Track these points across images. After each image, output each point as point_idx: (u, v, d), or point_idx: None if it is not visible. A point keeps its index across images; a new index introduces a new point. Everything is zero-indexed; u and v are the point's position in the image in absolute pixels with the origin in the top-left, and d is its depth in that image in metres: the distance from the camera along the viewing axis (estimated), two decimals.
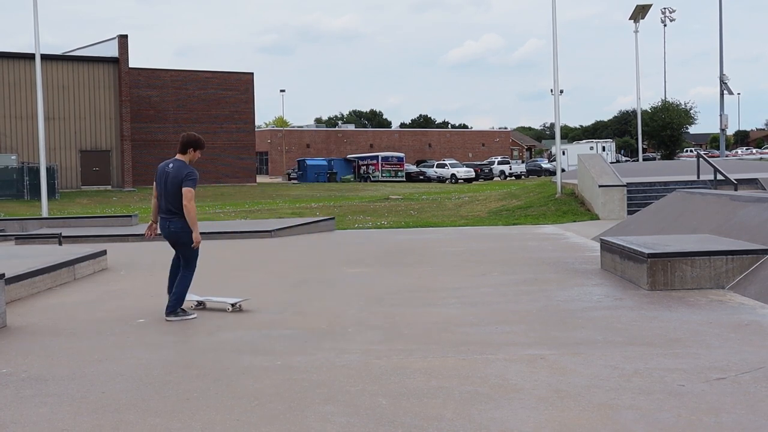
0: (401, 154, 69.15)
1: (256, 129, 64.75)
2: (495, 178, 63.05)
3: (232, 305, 7.70)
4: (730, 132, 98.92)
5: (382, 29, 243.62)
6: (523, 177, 61.46)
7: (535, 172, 61.80)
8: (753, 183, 20.58)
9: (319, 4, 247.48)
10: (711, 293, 7.90)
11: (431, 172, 63.42)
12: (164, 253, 13.92)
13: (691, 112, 71.13)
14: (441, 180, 61.18)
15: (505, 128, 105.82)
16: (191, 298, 7.81)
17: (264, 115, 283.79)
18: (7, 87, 46.53)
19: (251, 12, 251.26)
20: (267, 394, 4.75)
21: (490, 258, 11.42)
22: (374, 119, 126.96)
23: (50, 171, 35.32)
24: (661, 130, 68.22)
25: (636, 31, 45.82)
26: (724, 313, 6.96)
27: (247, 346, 6.12)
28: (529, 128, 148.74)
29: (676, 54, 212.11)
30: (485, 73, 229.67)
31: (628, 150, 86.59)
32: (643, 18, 45.78)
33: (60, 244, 14.65)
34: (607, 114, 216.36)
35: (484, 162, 70.13)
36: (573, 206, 22.51)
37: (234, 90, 56.48)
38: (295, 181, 64.35)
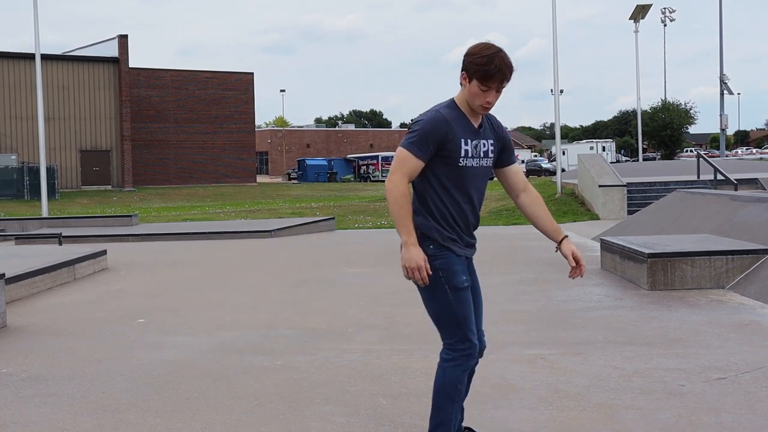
0: None
1: (256, 129, 64.75)
2: (495, 178, 62.92)
3: None
4: (730, 132, 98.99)
5: (386, 29, 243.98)
6: None
7: (535, 172, 61.76)
8: (753, 183, 20.59)
9: (321, 4, 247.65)
10: (711, 293, 7.90)
11: None
12: (165, 252, 13.97)
13: (691, 112, 71.18)
14: None
15: (505, 128, 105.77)
16: None
17: (264, 115, 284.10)
18: (7, 87, 46.54)
19: (252, 12, 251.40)
20: (267, 394, 4.75)
21: (490, 258, 11.41)
22: (374, 119, 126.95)
23: (50, 171, 35.34)
24: (661, 130, 68.24)
25: (636, 31, 45.86)
26: (724, 313, 6.96)
27: (247, 346, 6.12)
28: (530, 128, 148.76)
29: (677, 54, 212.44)
30: None
31: (628, 150, 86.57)
32: (643, 18, 45.81)
33: (60, 244, 14.65)
34: (607, 114, 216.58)
35: None
36: (573, 206, 22.52)
37: (234, 90, 56.48)
38: (295, 181, 64.36)
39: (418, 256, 3.24)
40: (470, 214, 3.45)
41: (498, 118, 3.56)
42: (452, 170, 3.32)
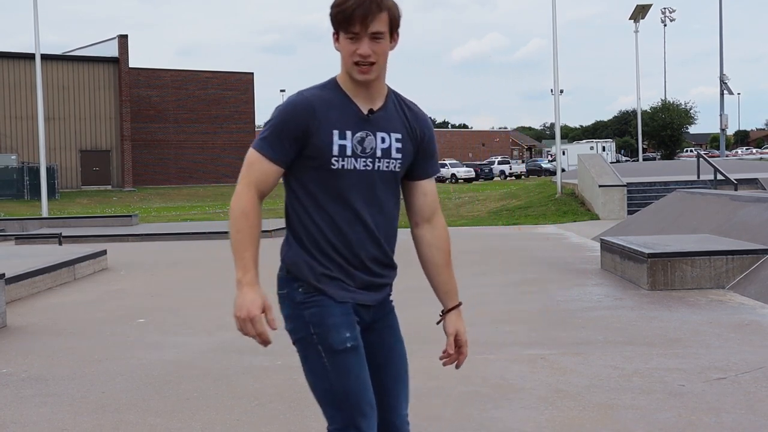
0: None
1: (256, 129, 64.76)
2: (495, 178, 63.09)
3: None
4: (730, 132, 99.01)
5: None
6: (523, 177, 61.47)
7: (535, 172, 61.84)
8: (753, 183, 20.59)
9: (322, 4, 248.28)
10: (711, 293, 7.90)
11: None
12: (165, 252, 13.97)
13: (691, 112, 71.21)
14: (441, 180, 61.25)
15: (505, 128, 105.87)
16: None
17: (264, 115, 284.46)
18: (7, 87, 46.55)
19: (252, 12, 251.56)
20: (267, 394, 4.75)
21: (490, 258, 11.41)
22: None
23: (50, 171, 35.35)
24: (661, 130, 68.26)
25: (636, 31, 45.88)
26: (724, 313, 6.96)
27: (247, 345, 6.11)
28: (530, 128, 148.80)
29: (678, 54, 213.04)
30: (488, 72, 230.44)
31: (628, 150, 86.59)
32: (643, 18, 45.85)
33: (60, 244, 14.66)
34: (607, 114, 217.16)
35: (484, 162, 70.15)
36: (573, 206, 22.52)
37: (234, 90, 56.52)
38: None
39: (252, 302, 2.26)
40: (367, 239, 2.41)
41: (421, 109, 2.52)
42: (324, 176, 2.35)
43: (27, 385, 5.07)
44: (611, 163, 33.84)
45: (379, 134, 2.38)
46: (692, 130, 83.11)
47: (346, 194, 2.35)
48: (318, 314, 2.36)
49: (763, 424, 4.08)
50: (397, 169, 2.43)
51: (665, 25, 68.58)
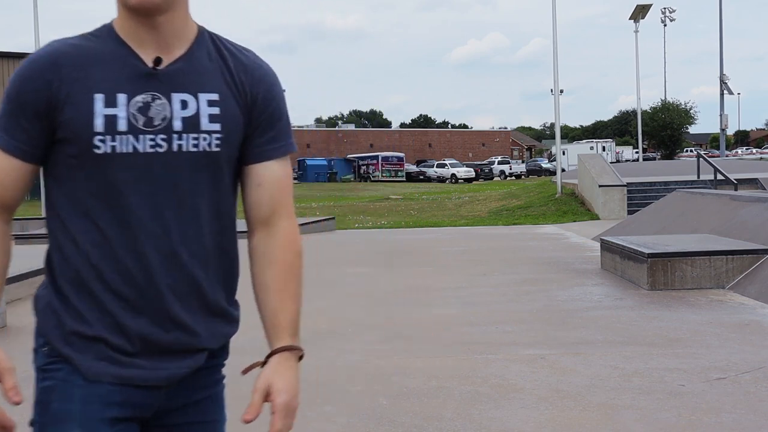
0: (401, 154, 69.22)
1: None
2: (495, 178, 63.12)
3: None
4: (730, 132, 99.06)
5: (388, 28, 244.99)
6: (523, 177, 61.48)
7: (535, 172, 61.86)
8: (753, 183, 20.60)
9: (325, 4, 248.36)
10: (711, 293, 7.90)
11: (431, 172, 63.49)
12: None
13: (691, 112, 71.23)
14: (441, 180, 61.28)
15: (505, 128, 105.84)
16: None
17: None
18: None
19: (255, 11, 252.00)
20: None
21: (491, 258, 11.42)
22: (374, 119, 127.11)
23: None
24: (661, 130, 68.30)
25: (636, 31, 45.88)
26: (724, 313, 6.96)
27: (247, 346, 6.11)
28: (530, 128, 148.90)
29: (678, 54, 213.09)
30: (488, 72, 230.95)
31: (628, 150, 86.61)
32: (643, 18, 45.87)
33: None
34: (607, 114, 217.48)
35: (484, 162, 70.20)
36: (573, 206, 22.52)
37: None
38: (296, 181, 64.41)
39: None
40: (168, 269, 1.53)
41: (259, 57, 1.64)
42: (87, 169, 1.48)
43: (27, 385, 5.05)
44: (611, 162, 33.84)
45: (177, 96, 1.49)
46: (692, 130, 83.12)
47: (122, 195, 1.48)
48: (48, 393, 1.61)
49: (763, 424, 4.08)
50: (216, 148, 1.52)
51: (665, 25, 68.63)
